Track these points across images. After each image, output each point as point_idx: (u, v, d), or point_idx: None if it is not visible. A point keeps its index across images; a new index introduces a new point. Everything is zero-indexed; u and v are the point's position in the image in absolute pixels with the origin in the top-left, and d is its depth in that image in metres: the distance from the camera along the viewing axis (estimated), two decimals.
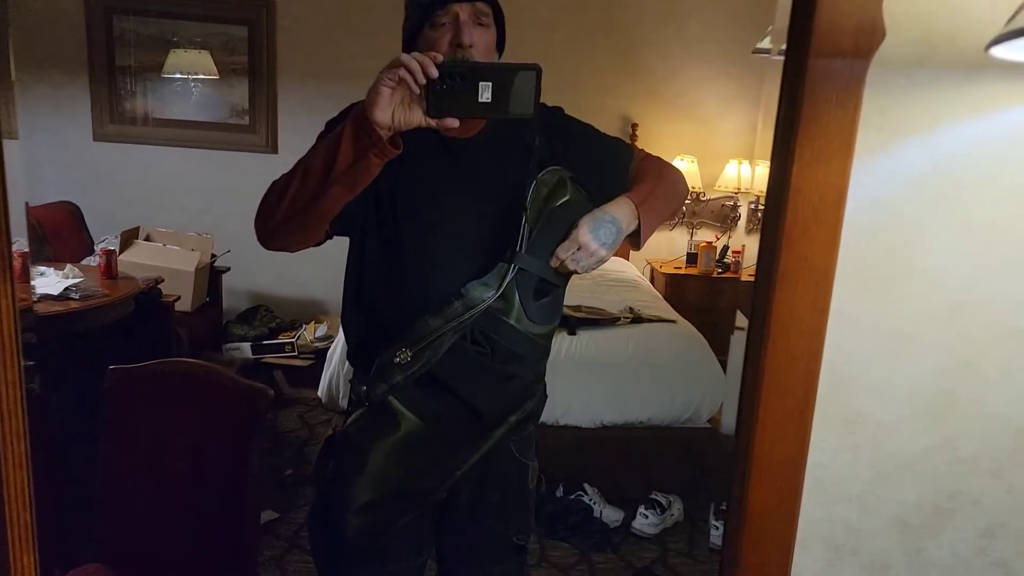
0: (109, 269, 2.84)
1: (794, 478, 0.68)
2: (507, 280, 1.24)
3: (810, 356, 0.65)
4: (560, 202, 1.27)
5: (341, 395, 2.94)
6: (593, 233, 1.24)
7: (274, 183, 1.28)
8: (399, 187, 1.27)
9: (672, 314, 3.33)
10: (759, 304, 0.65)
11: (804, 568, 0.72)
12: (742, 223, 4.54)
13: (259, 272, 4.13)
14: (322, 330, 3.88)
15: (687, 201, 4.45)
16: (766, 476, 0.68)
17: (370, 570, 1.40)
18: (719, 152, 4.37)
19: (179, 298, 3.30)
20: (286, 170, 1.27)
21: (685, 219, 4.51)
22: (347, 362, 2.98)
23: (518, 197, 1.25)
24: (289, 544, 2.59)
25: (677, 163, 4.35)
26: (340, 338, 3.00)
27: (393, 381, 1.25)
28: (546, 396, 1.48)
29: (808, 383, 0.66)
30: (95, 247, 3.19)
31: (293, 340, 3.78)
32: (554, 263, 1.27)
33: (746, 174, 4.36)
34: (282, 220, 1.25)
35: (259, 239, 1.32)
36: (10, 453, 0.59)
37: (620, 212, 1.27)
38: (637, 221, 1.27)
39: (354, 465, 1.31)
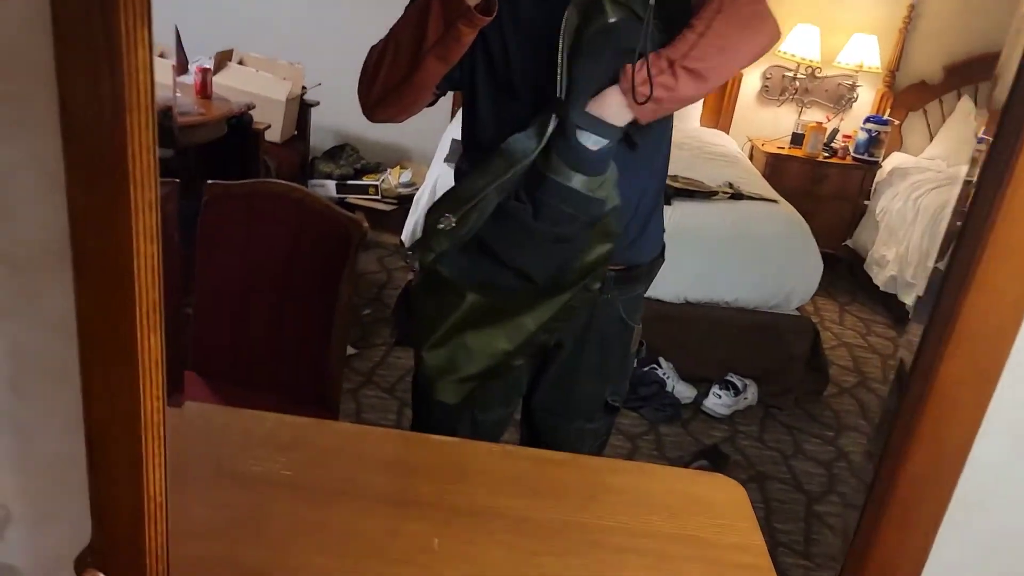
0: (204, 88, 2.79)
1: (999, 350, 0.59)
2: (549, 130, 1.11)
3: None
4: (594, 28, 1.10)
5: None
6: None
7: (372, 50, 1.20)
8: (505, 33, 1.16)
9: (774, 194, 3.16)
10: (1007, 132, 0.54)
11: (985, 454, 0.64)
12: (859, 105, 4.21)
13: (347, 110, 4.02)
14: (406, 176, 3.83)
15: (800, 76, 4.13)
16: (967, 343, 0.59)
17: (458, 419, 1.38)
18: (845, 24, 4.00)
19: (269, 127, 3.26)
20: (379, 7, 1.18)
21: (795, 96, 4.20)
22: None
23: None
24: (365, 379, 2.64)
25: (796, 31, 3.99)
26: (428, 184, 2.94)
27: (440, 248, 1.19)
28: (662, 259, 1.39)
29: None
30: (189, 66, 3.14)
31: (377, 183, 3.74)
32: None
33: (871, 54, 3.99)
34: (380, 96, 1.19)
35: (364, 113, 1.25)
36: (141, 225, 0.54)
37: (610, 113, 1.12)
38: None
39: (427, 331, 1.28)
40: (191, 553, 0.84)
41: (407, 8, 1.16)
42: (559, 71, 1.11)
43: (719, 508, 1.16)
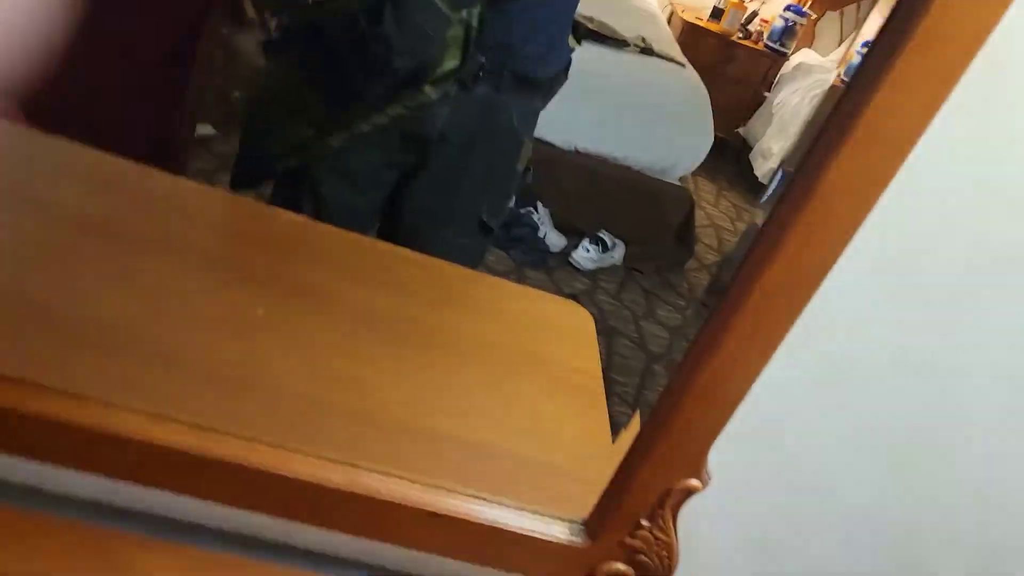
0: None
1: (811, 278, 0.55)
2: None
3: (901, 146, 0.49)
4: None
5: None
6: None
7: None
8: None
9: (684, 59, 3.08)
10: (869, 68, 0.47)
11: (782, 372, 0.61)
12: None
13: None
14: None
15: None
16: (786, 264, 0.55)
17: (298, 190, 1.29)
18: None
19: None
20: None
21: None
22: None
23: None
24: (220, 163, 2.45)
25: None
26: None
27: (282, 14, 1.14)
28: (565, 76, 1.32)
29: (875, 184, 0.51)
30: None
31: None
32: None
33: None
34: None
35: None
36: None
37: None
38: None
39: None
40: None
41: None
42: None
43: (566, 332, 1.14)
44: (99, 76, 1.43)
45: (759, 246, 0.57)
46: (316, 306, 0.97)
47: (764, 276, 0.56)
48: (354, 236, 1.19)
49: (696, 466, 0.70)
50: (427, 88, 1.11)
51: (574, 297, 2.63)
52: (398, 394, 0.91)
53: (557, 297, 1.24)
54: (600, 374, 1.09)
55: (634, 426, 0.90)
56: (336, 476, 0.71)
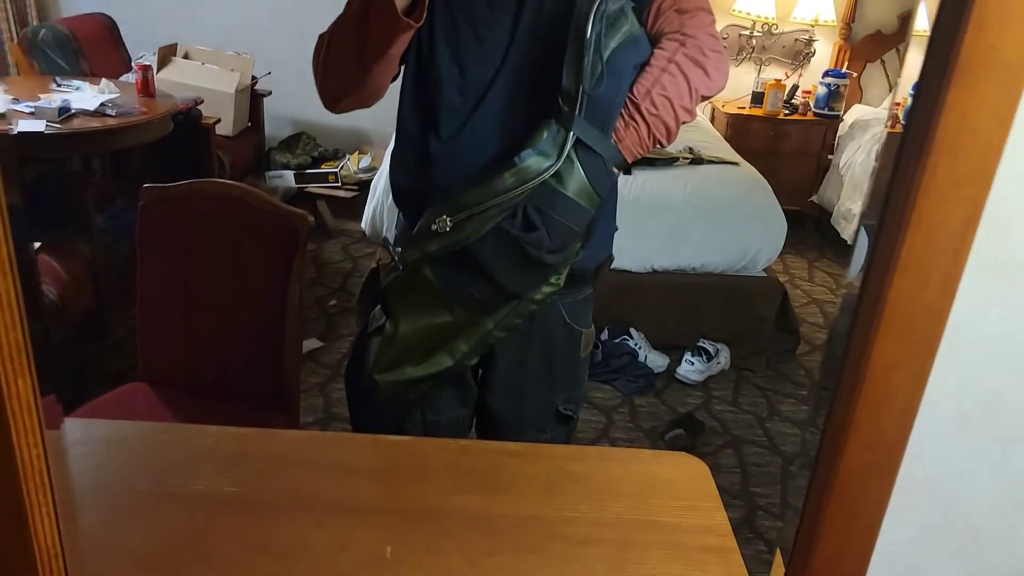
0: (146, 86, 2.70)
1: (931, 332, 0.56)
2: (567, 148, 1.09)
3: (979, 179, 0.51)
4: (619, 43, 1.10)
5: (385, 227, 2.85)
6: None
7: (320, 40, 1.18)
8: (439, 18, 1.14)
9: (734, 156, 3.12)
10: (921, 108, 0.50)
11: (926, 436, 0.61)
12: (816, 60, 4.17)
13: (301, 97, 3.92)
14: (366, 161, 3.75)
15: (756, 34, 4.07)
16: (897, 328, 0.56)
17: (402, 418, 1.34)
18: None
19: (219, 121, 3.17)
20: None
21: (753, 54, 4.15)
22: None
23: (574, 34, 1.07)
24: (332, 372, 2.60)
25: None
26: (384, 168, 2.87)
27: (429, 249, 1.15)
28: (611, 259, 1.35)
29: (969, 216, 0.52)
30: (132, 63, 3.03)
31: (336, 170, 3.67)
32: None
33: (826, 7, 3.94)
34: (338, 94, 1.20)
35: (326, 108, 1.25)
36: None
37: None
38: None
39: (385, 327, 1.24)
40: None
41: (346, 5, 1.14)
42: (583, 80, 1.07)
43: (682, 488, 1.14)
44: (220, 351, 1.58)
45: (832, 426, 0.57)
46: (437, 525, 1.01)
47: (844, 458, 0.56)
48: (456, 443, 1.22)
49: None
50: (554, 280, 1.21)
51: (689, 415, 2.59)
52: None
53: (664, 452, 1.23)
54: (728, 526, 1.07)
55: (777, 566, 0.88)
56: None
